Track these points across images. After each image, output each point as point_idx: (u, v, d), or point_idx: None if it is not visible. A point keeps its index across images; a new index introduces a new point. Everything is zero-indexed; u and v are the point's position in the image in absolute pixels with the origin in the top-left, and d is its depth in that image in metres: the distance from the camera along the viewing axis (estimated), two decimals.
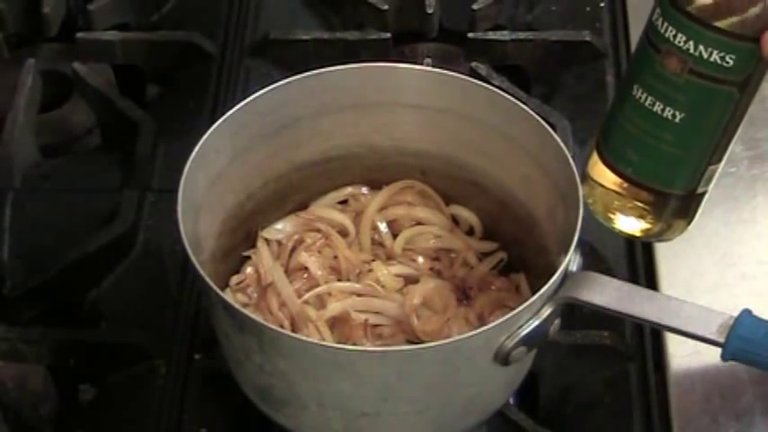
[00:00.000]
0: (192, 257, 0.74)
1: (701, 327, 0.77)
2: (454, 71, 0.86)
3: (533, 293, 0.82)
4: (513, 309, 0.76)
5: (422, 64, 1.03)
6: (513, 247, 0.88)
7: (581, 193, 0.76)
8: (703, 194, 0.84)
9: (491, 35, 1.07)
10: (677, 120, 0.79)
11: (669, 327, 0.77)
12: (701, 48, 0.76)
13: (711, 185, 0.84)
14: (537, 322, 0.75)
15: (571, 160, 0.78)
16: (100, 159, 1.03)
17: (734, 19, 0.75)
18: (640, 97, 0.79)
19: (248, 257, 0.87)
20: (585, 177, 0.85)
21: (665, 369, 0.85)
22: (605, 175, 0.84)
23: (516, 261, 0.88)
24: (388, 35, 1.06)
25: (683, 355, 0.85)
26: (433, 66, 1.02)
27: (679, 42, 0.76)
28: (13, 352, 0.88)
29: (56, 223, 0.97)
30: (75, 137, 1.09)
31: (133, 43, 1.08)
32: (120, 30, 1.10)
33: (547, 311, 0.75)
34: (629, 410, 0.84)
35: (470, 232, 0.90)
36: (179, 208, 0.76)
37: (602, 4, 1.10)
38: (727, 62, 0.76)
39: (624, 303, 0.77)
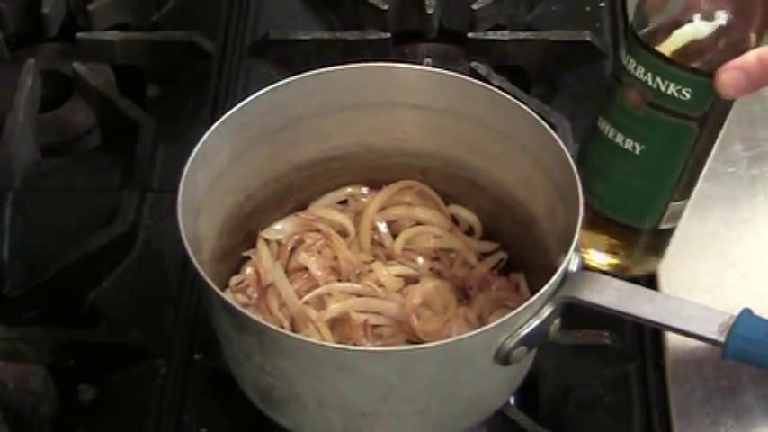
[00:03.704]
0: (193, 258, 0.74)
1: (701, 326, 0.77)
2: (454, 71, 0.86)
3: (533, 293, 0.82)
4: (513, 308, 0.76)
5: (422, 64, 1.03)
6: (512, 247, 0.88)
7: (581, 192, 0.77)
8: (670, 231, 0.85)
9: (491, 35, 1.07)
10: (637, 152, 0.80)
11: (669, 326, 0.77)
12: (659, 80, 0.78)
13: (679, 223, 0.85)
14: (537, 322, 0.75)
15: (571, 160, 0.78)
16: (100, 159, 1.03)
17: (692, 54, 0.77)
18: (604, 129, 0.81)
19: (248, 258, 0.87)
20: None
21: (664, 369, 0.85)
22: None
23: (516, 261, 0.88)
24: (388, 35, 1.06)
25: (683, 356, 0.85)
26: (434, 66, 1.02)
27: (639, 75, 0.78)
28: (13, 352, 0.88)
29: (56, 223, 0.97)
30: (75, 137, 1.08)
31: (133, 43, 1.08)
32: (120, 30, 1.10)
33: (547, 311, 0.75)
34: (629, 410, 0.84)
35: (470, 232, 0.90)
36: (179, 208, 0.76)
37: (602, 4, 1.10)
38: (684, 96, 0.77)
39: (624, 303, 0.77)
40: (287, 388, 0.77)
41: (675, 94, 0.77)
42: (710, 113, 0.78)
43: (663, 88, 0.78)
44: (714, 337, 0.76)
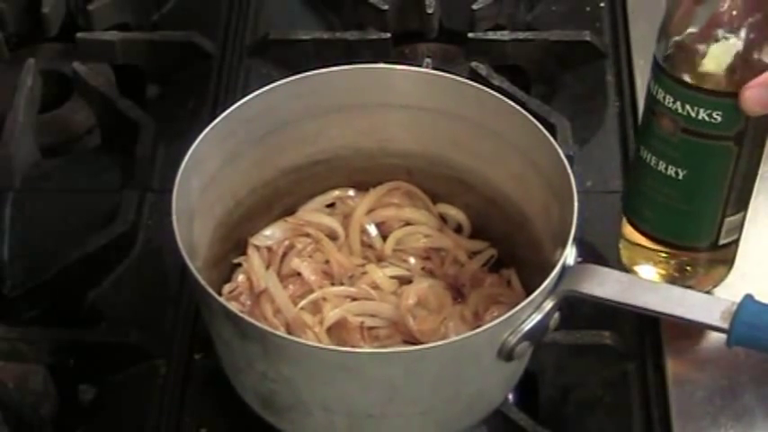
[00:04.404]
0: (191, 266, 0.74)
1: (704, 314, 0.77)
2: (454, 71, 0.86)
3: (525, 288, 0.82)
4: (508, 304, 0.77)
5: (422, 64, 1.03)
6: (502, 243, 0.88)
7: (574, 188, 0.77)
8: (733, 242, 0.85)
9: (491, 35, 1.07)
10: (680, 177, 0.81)
11: (673, 315, 0.77)
12: (688, 107, 0.78)
13: (740, 234, 0.85)
14: (539, 317, 0.75)
15: (563, 156, 0.79)
16: (100, 159, 1.03)
17: (714, 77, 0.77)
18: (646, 158, 0.82)
19: (238, 265, 0.87)
20: (619, 236, 0.88)
21: (664, 369, 0.85)
22: (633, 233, 0.86)
23: (506, 256, 0.88)
24: (388, 35, 1.06)
25: (683, 356, 0.85)
26: (434, 66, 1.02)
27: (668, 104, 0.78)
28: (13, 352, 0.88)
29: (56, 223, 0.97)
30: (75, 137, 1.08)
31: (133, 43, 1.08)
32: (120, 30, 1.10)
33: (548, 306, 0.75)
34: (629, 410, 0.84)
35: (459, 230, 0.90)
36: (174, 217, 0.76)
37: (602, 4, 1.10)
38: (716, 119, 0.77)
39: (626, 294, 0.77)
40: (291, 394, 0.77)
41: (707, 119, 0.77)
42: (746, 130, 0.78)
43: (693, 114, 0.78)
44: (718, 324, 0.76)
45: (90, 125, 1.08)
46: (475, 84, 0.85)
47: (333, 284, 0.86)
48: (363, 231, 0.89)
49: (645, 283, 0.79)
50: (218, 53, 1.07)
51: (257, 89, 0.83)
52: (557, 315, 0.77)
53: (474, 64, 1.03)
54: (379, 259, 0.88)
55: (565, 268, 0.76)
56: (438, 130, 0.86)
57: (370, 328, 0.83)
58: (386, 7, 1.07)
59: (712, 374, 0.84)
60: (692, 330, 0.83)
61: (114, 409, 0.86)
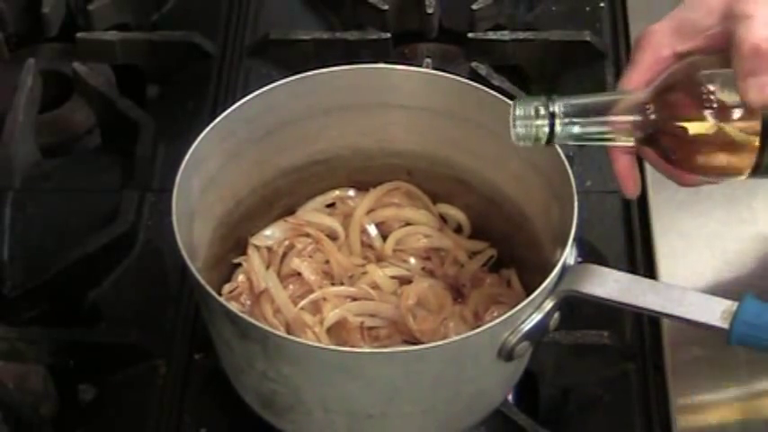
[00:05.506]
0: (191, 266, 0.74)
1: (704, 314, 0.76)
2: (454, 71, 0.86)
3: (525, 288, 0.82)
4: (508, 304, 0.76)
5: (422, 64, 1.03)
6: (502, 243, 0.88)
7: (575, 188, 0.77)
8: None
9: (491, 35, 1.07)
10: None
11: (672, 315, 0.77)
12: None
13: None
14: (539, 317, 0.75)
15: (563, 156, 0.78)
16: (100, 159, 1.03)
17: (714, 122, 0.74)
18: None
19: (238, 265, 0.87)
20: None
21: (665, 369, 0.85)
22: None
23: (506, 257, 0.88)
24: (388, 35, 1.06)
25: (683, 356, 0.85)
26: (434, 66, 1.01)
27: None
28: (13, 352, 0.88)
29: (56, 223, 0.97)
30: (75, 137, 1.08)
31: (133, 43, 1.08)
32: (120, 30, 1.10)
33: (548, 305, 0.75)
34: (629, 410, 0.84)
35: (459, 230, 0.90)
36: (174, 217, 0.76)
37: (602, 4, 1.10)
38: (757, 128, 0.74)
39: (625, 294, 0.77)
40: (291, 394, 0.77)
41: (754, 141, 0.74)
42: None
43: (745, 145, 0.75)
44: (718, 324, 0.76)
45: (90, 125, 1.08)
46: (475, 84, 0.85)
47: (333, 284, 0.86)
48: (363, 231, 0.89)
49: (645, 283, 0.79)
50: (218, 53, 1.07)
51: (257, 89, 0.83)
52: (557, 315, 0.76)
53: (474, 64, 1.03)
54: (379, 259, 0.88)
55: (565, 268, 0.76)
56: (438, 130, 0.86)
57: (370, 328, 0.83)
58: (386, 7, 1.07)
59: (712, 374, 0.84)
60: (692, 330, 0.83)
61: (114, 409, 0.86)
